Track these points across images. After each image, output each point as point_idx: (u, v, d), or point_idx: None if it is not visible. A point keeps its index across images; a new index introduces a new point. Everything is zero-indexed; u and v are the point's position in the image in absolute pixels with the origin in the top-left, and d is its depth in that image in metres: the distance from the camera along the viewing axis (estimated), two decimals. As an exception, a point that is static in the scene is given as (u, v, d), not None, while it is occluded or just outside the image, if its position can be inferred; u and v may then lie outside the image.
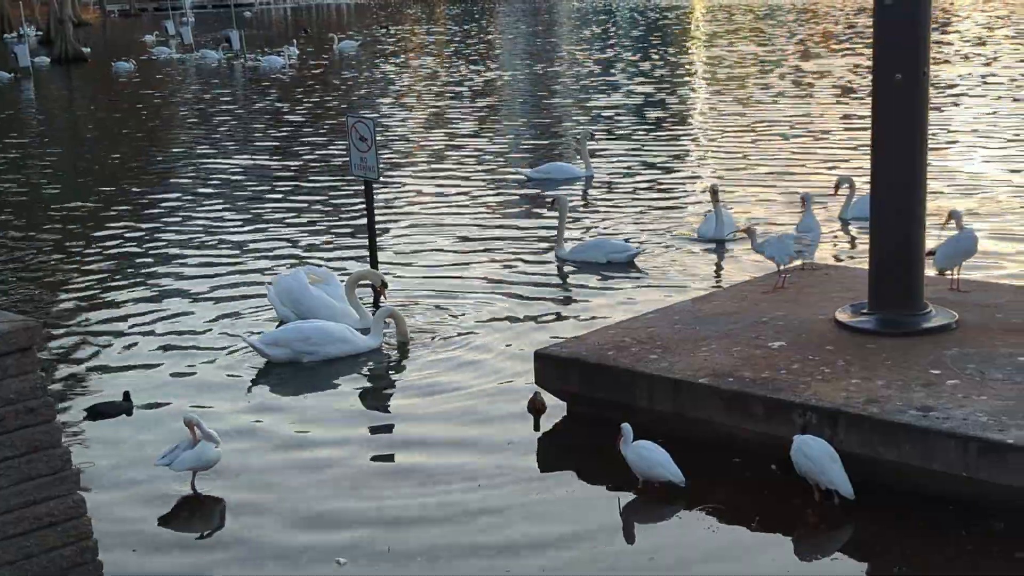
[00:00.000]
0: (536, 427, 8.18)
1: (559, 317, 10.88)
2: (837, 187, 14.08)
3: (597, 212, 15.46)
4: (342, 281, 11.08)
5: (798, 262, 10.09)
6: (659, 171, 18.29)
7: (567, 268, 12.63)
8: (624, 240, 13.22)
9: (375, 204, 12.32)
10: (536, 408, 8.31)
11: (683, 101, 27.29)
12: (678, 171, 18.37)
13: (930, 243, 9.06)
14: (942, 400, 6.98)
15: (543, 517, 6.84)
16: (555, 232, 13.35)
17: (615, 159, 19.47)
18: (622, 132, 22.69)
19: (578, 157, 18.37)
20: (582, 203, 16.13)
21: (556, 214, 13.46)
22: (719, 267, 12.44)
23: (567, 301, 11.47)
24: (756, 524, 6.62)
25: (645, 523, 6.88)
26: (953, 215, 9.75)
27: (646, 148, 20.55)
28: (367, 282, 11.12)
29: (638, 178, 17.70)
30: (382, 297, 10.78)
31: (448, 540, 6.60)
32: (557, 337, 9.60)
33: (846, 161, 18.02)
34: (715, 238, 13.23)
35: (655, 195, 16.38)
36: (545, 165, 18.37)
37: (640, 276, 12.15)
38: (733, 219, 13.53)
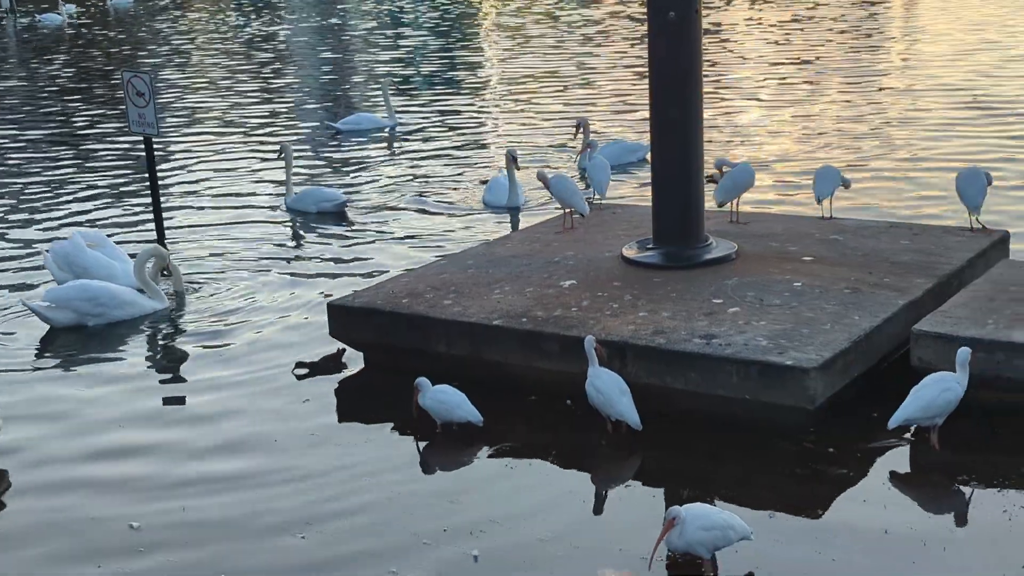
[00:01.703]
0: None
1: (345, 270, 10.83)
2: (577, 130, 13.85)
3: (398, 165, 15.41)
4: (110, 238, 10.88)
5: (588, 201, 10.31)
6: (461, 123, 18.28)
7: (364, 220, 12.57)
8: (337, 190, 13.35)
9: (156, 162, 11.98)
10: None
11: (478, 53, 27.31)
12: (477, 124, 18.34)
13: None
14: (724, 328, 7.25)
15: (344, 469, 6.82)
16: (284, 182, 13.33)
17: (417, 110, 19.43)
18: (419, 83, 22.62)
19: (383, 107, 18.30)
20: (387, 153, 16.09)
21: (284, 163, 13.35)
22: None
23: (353, 255, 11.40)
24: (553, 458, 6.78)
25: (446, 467, 6.95)
26: (719, 163, 10.20)
27: (445, 100, 20.55)
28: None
29: (439, 130, 17.66)
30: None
31: (245, 508, 6.47)
32: (349, 288, 9.55)
33: (633, 109, 18.43)
34: (509, 206, 12.60)
35: (454, 149, 16.34)
36: (353, 116, 18.26)
37: (423, 231, 12.17)
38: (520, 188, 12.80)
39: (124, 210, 13.64)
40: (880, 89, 18.78)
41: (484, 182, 13.59)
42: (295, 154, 13.96)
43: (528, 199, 12.78)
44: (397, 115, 18.14)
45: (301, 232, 12.40)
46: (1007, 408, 6.78)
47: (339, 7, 41.13)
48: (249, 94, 22.39)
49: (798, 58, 22.64)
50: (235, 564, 5.87)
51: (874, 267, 8.24)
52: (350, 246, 11.69)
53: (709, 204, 9.23)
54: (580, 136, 13.73)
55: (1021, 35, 21.81)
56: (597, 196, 10.80)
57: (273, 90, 22.83)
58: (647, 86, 8.93)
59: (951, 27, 25.95)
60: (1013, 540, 5.60)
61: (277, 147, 14.23)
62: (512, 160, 12.53)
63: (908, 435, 6.65)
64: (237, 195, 14.25)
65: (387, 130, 17.58)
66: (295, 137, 17.80)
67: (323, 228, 12.39)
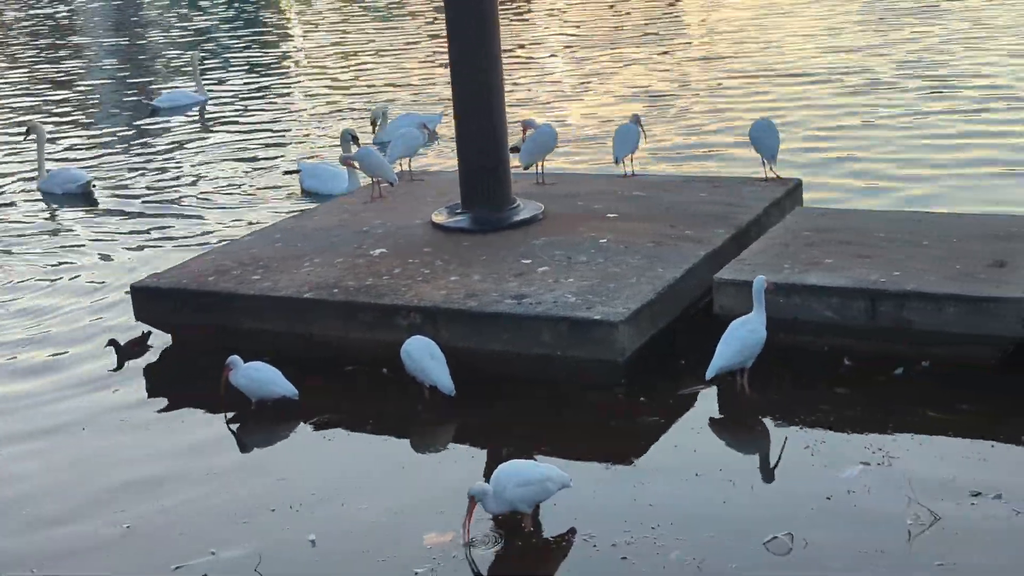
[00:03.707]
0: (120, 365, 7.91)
1: (146, 249, 10.58)
2: (374, 125, 13.61)
3: (208, 141, 15.05)
4: None
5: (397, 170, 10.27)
6: (271, 99, 17.94)
7: (155, 200, 12.28)
8: (79, 169, 13.10)
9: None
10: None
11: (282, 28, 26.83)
12: (286, 104, 17.98)
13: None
14: (534, 287, 7.35)
15: (161, 455, 6.66)
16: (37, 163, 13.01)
17: (228, 86, 19.02)
18: (232, 56, 22.12)
19: (192, 83, 17.89)
20: (199, 129, 15.71)
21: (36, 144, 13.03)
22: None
23: (152, 233, 11.13)
24: (371, 428, 6.77)
25: (263, 445, 6.87)
26: (526, 123, 10.30)
27: (258, 73, 20.16)
28: None
29: (250, 105, 17.30)
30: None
31: (58, 499, 6.28)
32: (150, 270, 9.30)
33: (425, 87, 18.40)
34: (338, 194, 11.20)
35: (266, 128, 16.02)
36: (169, 93, 17.75)
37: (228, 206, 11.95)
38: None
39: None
40: (680, 55, 19.24)
41: (295, 171, 12.66)
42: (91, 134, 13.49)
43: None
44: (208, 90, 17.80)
45: (59, 215, 12.02)
46: (807, 349, 7.08)
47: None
48: (41, 79, 21.49)
49: (604, 23, 22.96)
50: (41, 547, 5.71)
51: (675, 220, 8.47)
52: (146, 231, 11.40)
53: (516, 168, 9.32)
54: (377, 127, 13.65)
55: (818, 10, 22.62)
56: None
57: (72, 72, 21.93)
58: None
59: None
60: (815, 473, 5.86)
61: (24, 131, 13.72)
62: (352, 140, 11.88)
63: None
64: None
65: (198, 107, 17.14)
66: (114, 117, 17.25)
67: (124, 210, 12.03)
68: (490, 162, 8.78)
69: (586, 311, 6.93)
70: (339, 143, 12.37)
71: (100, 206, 12.24)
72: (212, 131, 15.75)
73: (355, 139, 11.94)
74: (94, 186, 12.64)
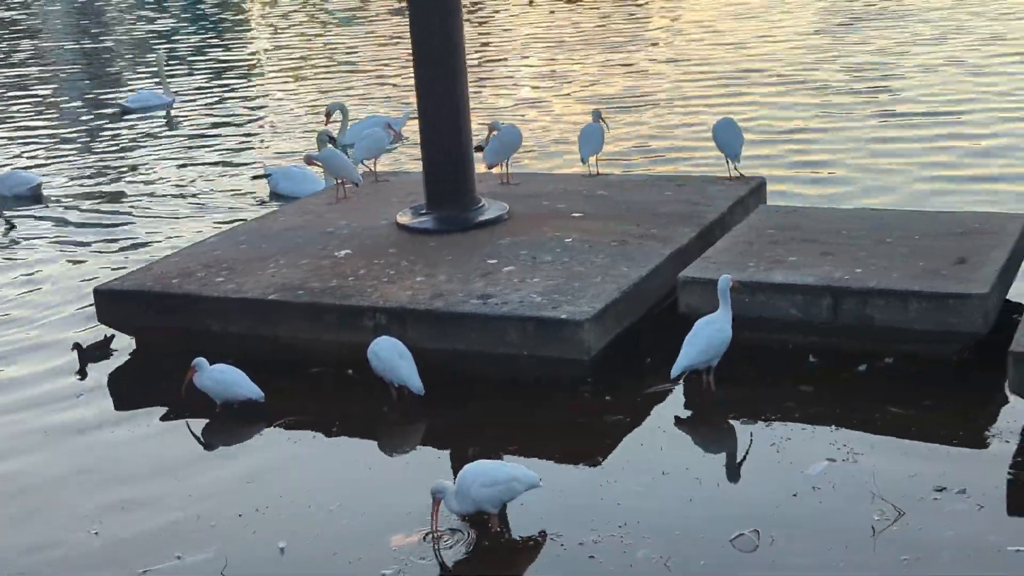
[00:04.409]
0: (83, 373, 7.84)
1: (110, 252, 10.49)
2: (328, 116, 13.28)
3: (174, 143, 14.95)
4: None
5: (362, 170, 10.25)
6: (237, 101, 17.85)
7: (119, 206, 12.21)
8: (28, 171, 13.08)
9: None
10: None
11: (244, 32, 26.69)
12: (254, 107, 17.92)
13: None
14: (500, 287, 7.35)
15: (125, 460, 6.61)
16: None
17: (194, 84, 18.91)
18: (197, 57, 22.00)
19: (159, 83, 17.91)
20: (165, 130, 15.63)
21: None
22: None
23: (115, 236, 11.05)
24: (338, 429, 6.74)
25: (229, 447, 6.82)
26: (492, 125, 10.30)
27: (223, 74, 20.06)
28: None
29: (215, 107, 17.20)
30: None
31: (23, 506, 6.23)
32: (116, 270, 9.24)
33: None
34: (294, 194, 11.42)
35: (232, 130, 15.94)
36: (138, 94, 17.67)
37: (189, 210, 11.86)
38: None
39: None
40: (644, 57, 19.29)
41: (263, 175, 12.56)
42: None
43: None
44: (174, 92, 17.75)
45: (15, 221, 11.92)
46: (771, 346, 7.12)
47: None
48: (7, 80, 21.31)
49: (568, 26, 22.97)
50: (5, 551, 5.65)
51: (640, 219, 8.49)
52: (113, 232, 11.31)
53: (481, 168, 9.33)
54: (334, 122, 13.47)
55: (780, 15, 22.75)
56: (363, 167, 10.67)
57: (35, 77, 21.75)
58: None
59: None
60: (781, 471, 5.89)
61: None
62: (329, 141, 11.41)
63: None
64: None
65: (165, 108, 17.05)
66: (82, 119, 17.13)
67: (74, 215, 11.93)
68: (455, 162, 8.77)
69: (552, 310, 6.94)
70: (302, 147, 12.33)
71: (63, 209, 12.13)
72: (178, 133, 15.66)
73: (332, 140, 11.73)
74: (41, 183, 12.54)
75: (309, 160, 10.60)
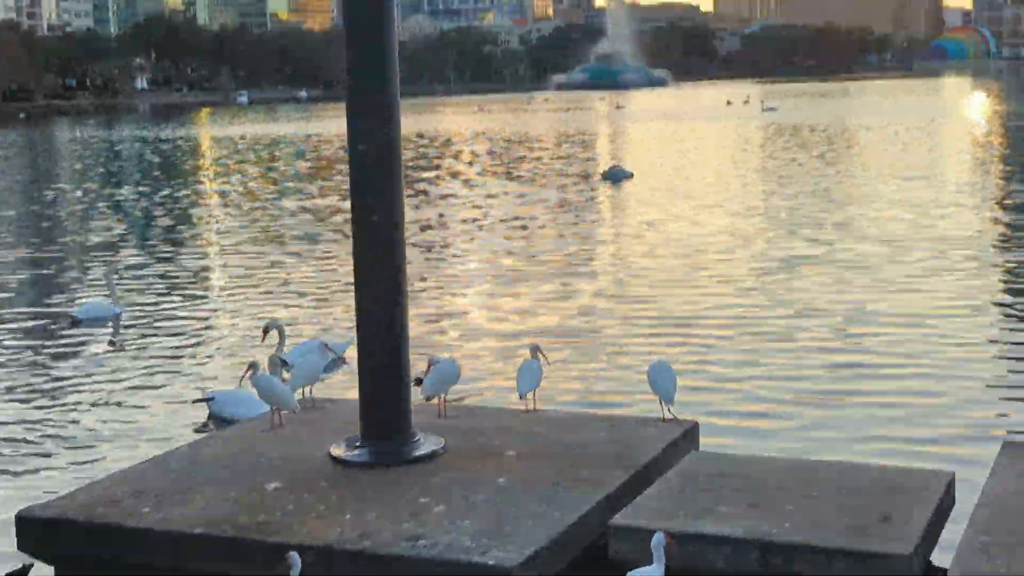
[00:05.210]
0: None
1: (37, 475, 10.33)
2: (265, 333, 12.32)
3: (116, 361, 14.93)
4: None
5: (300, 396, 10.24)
6: (186, 305, 17.93)
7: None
8: None
9: None
10: None
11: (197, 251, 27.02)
12: (201, 317, 18.00)
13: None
14: (429, 527, 7.30)
15: None
16: None
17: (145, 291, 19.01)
18: (143, 263, 22.18)
19: (108, 294, 17.95)
20: (113, 345, 15.62)
21: None
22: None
23: (50, 455, 10.90)
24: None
25: None
26: (431, 360, 10.25)
27: (169, 278, 20.22)
28: None
29: (163, 323, 17.30)
30: None
31: None
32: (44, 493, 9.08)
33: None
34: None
35: (176, 343, 15.98)
36: (89, 303, 17.75)
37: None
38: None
39: None
40: (587, 289, 19.70)
41: (205, 399, 12.45)
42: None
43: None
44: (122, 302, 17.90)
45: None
46: (699, 597, 7.09)
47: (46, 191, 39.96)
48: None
49: (511, 254, 23.43)
50: None
51: (574, 460, 8.53)
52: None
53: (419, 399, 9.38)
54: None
55: (721, 257, 23.41)
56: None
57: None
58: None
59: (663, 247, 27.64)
60: None
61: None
62: (282, 364, 10.69)
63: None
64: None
65: (112, 319, 17.12)
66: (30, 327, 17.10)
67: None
68: (391, 394, 8.83)
69: (480, 556, 6.89)
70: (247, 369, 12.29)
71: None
72: (124, 347, 15.66)
73: (285, 364, 11.50)
74: None
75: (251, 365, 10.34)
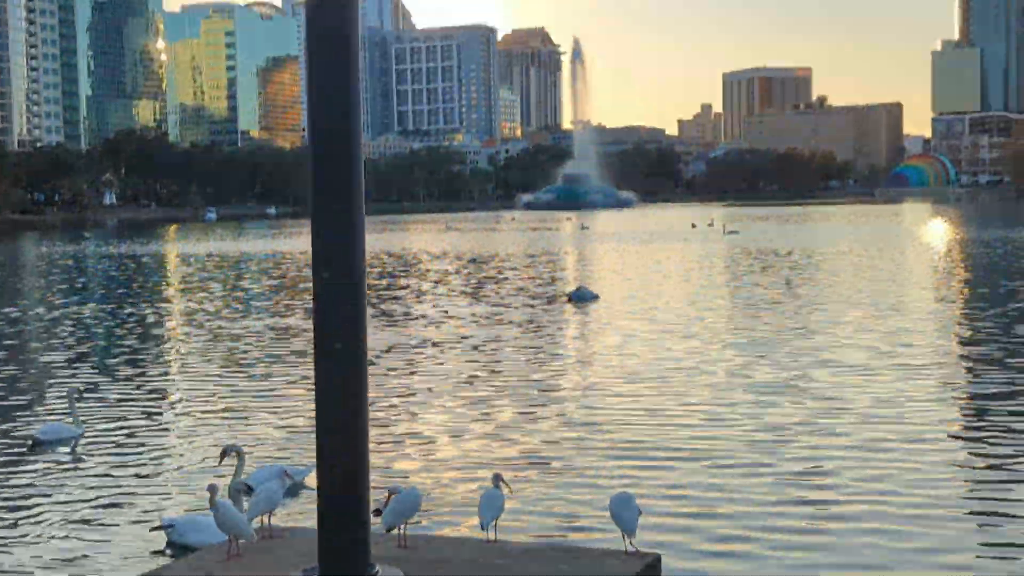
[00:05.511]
0: None
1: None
2: (223, 457, 12.26)
3: (74, 485, 14.64)
4: None
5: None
6: (148, 426, 17.68)
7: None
8: None
9: None
10: None
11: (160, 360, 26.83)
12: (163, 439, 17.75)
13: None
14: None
15: None
16: None
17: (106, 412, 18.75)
18: (105, 383, 21.95)
19: (69, 415, 17.76)
20: (72, 465, 15.35)
21: None
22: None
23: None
24: None
25: None
26: (391, 490, 10.12)
27: (132, 399, 19.99)
28: None
29: (123, 447, 17.04)
30: None
31: None
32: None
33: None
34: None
35: (136, 466, 15.74)
36: (50, 425, 17.55)
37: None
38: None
39: None
40: (551, 415, 19.60)
41: (162, 527, 12.21)
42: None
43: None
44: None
45: None
46: None
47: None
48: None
49: (470, 372, 23.35)
50: None
51: (535, 595, 8.42)
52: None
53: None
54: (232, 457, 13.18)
55: (691, 387, 23.37)
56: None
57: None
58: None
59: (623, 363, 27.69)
60: None
61: None
62: (247, 491, 10.71)
63: None
64: None
65: (73, 440, 16.91)
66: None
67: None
68: (350, 524, 8.71)
69: None
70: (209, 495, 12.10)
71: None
72: (83, 471, 15.40)
73: (249, 489, 10.99)
74: None
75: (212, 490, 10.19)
